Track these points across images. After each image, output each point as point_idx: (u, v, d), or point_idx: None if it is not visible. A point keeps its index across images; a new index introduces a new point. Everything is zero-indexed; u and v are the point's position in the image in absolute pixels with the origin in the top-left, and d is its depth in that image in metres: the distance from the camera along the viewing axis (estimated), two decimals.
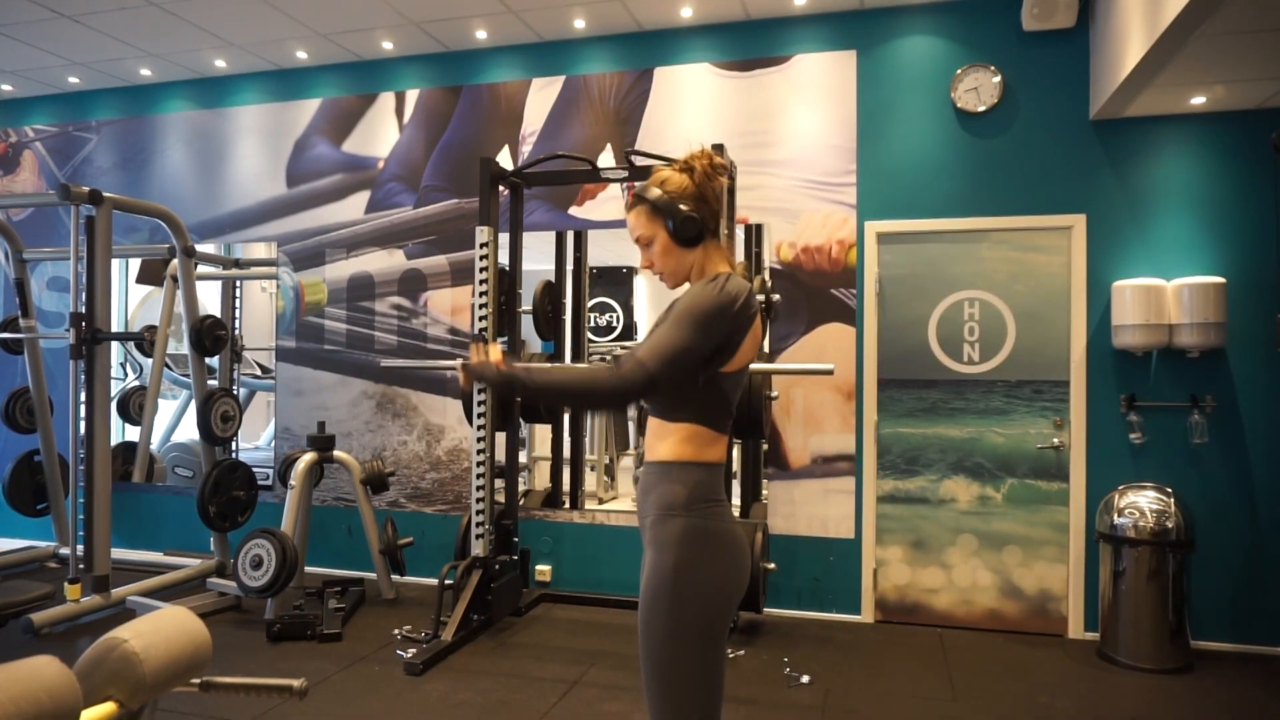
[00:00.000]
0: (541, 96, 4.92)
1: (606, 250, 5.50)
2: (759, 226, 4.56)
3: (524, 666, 3.64)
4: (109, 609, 4.21)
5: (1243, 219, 3.94)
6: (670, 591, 1.67)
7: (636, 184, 1.83)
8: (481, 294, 4.06)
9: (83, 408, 4.16)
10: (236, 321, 5.77)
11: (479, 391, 4.04)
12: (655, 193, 1.78)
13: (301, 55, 5.16)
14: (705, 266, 1.81)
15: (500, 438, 4.32)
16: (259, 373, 6.43)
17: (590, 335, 5.69)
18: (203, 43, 4.96)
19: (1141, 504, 3.76)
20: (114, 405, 5.53)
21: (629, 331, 6.25)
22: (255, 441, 6.60)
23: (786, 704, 3.27)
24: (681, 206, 1.76)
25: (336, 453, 4.58)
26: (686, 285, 1.82)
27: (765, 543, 4.04)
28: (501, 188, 4.34)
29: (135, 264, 6.34)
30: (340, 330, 5.23)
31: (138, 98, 5.74)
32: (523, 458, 5.22)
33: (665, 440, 1.75)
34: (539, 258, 5.06)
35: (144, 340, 4.88)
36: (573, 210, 4.85)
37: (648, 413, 1.82)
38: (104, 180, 5.73)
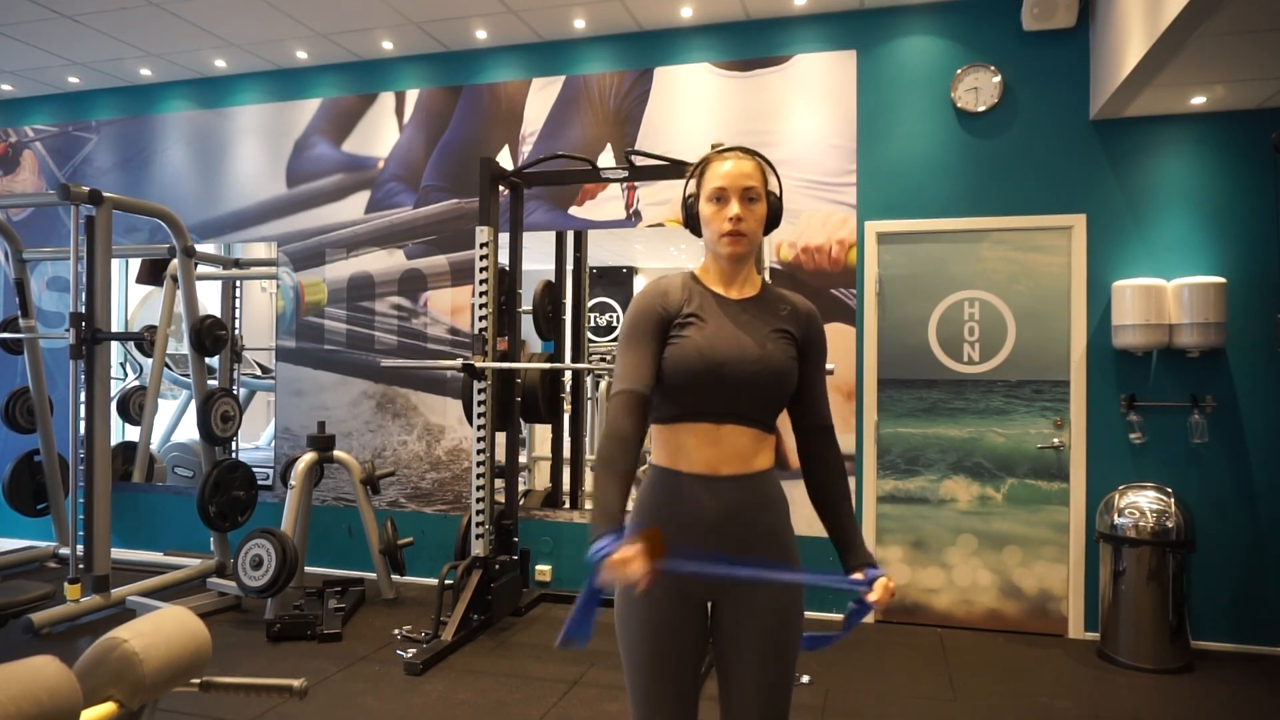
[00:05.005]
0: (541, 96, 4.92)
1: (606, 250, 5.50)
2: None
3: (524, 666, 3.64)
4: (109, 609, 4.21)
5: (1243, 219, 3.94)
6: (803, 602, 1.70)
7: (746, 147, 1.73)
8: (481, 294, 4.06)
9: (83, 408, 4.16)
10: (236, 321, 5.76)
11: (479, 391, 4.04)
12: (774, 176, 1.73)
13: (301, 55, 5.16)
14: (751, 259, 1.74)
15: (500, 438, 4.32)
16: (259, 373, 6.43)
17: (590, 335, 5.69)
18: (203, 43, 4.96)
19: (1141, 504, 3.76)
20: (114, 405, 5.53)
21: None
22: (255, 441, 6.60)
23: None
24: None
25: (336, 453, 4.57)
26: (721, 260, 1.69)
27: None
28: (501, 188, 4.34)
29: (135, 264, 6.34)
30: (340, 330, 5.23)
31: (138, 98, 5.74)
32: (523, 458, 5.22)
33: (769, 448, 1.68)
34: (539, 258, 5.06)
35: (144, 340, 4.88)
36: (573, 210, 4.85)
37: (736, 423, 1.61)
38: (104, 180, 5.73)
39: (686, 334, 1.63)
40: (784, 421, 1.74)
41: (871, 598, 1.54)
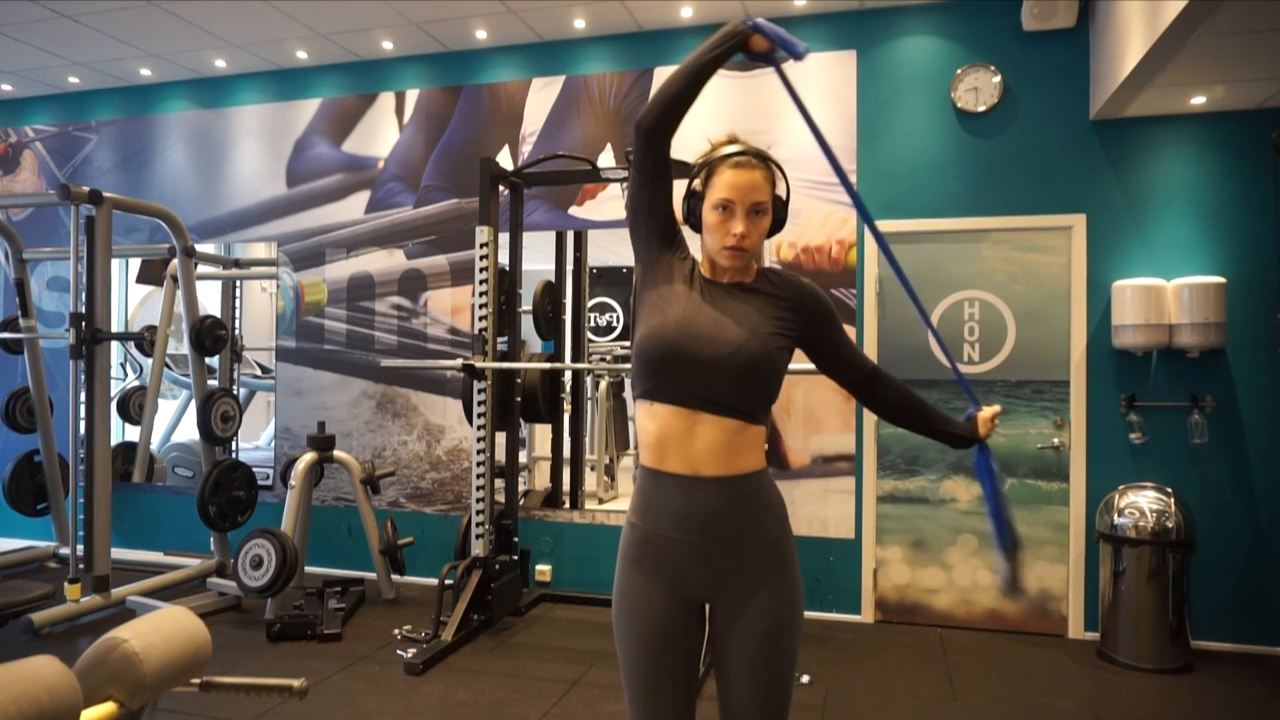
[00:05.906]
0: (541, 96, 4.92)
1: (606, 250, 5.50)
2: None
3: (524, 666, 3.64)
4: (109, 609, 4.21)
5: (1243, 219, 3.94)
6: (802, 604, 1.69)
7: (757, 149, 1.66)
8: (481, 294, 4.06)
9: (83, 408, 4.16)
10: (236, 321, 5.76)
11: (479, 391, 4.04)
12: (782, 181, 1.67)
13: (301, 55, 5.16)
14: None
15: (500, 438, 4.32)
16: (259, 373, 6.43)
17: (590, 335, 5.69)
18: (203, 43, 4.96)
19: (1141, 504, 3.75)
20: (114, 405, 5.53)
21: (629, 332, 6.22)
22: (255, 441, 6.60)
23: None
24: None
25: (336, 453, 4.57)
26: (718, 265, 1.67)
27: None
28: (501, 188, 4.34)
29: (135, 264, 6.34)
30: (340, 330, 5.23)
31: (138, 98, 5.74)
32: (523, 458, 5.22)
33: (753, 446, 1.61)
34: (539, 258, 5.06)
35: (144, 340, 4.88)
36: (573, 210, 4.85)
37: (712, 412, 1.55)
38: (104, 180, 5.73)
39: (665, 299, 1.62)
40: (784, 422, 1.74)
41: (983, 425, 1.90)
